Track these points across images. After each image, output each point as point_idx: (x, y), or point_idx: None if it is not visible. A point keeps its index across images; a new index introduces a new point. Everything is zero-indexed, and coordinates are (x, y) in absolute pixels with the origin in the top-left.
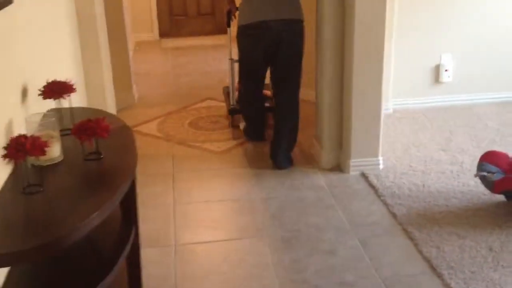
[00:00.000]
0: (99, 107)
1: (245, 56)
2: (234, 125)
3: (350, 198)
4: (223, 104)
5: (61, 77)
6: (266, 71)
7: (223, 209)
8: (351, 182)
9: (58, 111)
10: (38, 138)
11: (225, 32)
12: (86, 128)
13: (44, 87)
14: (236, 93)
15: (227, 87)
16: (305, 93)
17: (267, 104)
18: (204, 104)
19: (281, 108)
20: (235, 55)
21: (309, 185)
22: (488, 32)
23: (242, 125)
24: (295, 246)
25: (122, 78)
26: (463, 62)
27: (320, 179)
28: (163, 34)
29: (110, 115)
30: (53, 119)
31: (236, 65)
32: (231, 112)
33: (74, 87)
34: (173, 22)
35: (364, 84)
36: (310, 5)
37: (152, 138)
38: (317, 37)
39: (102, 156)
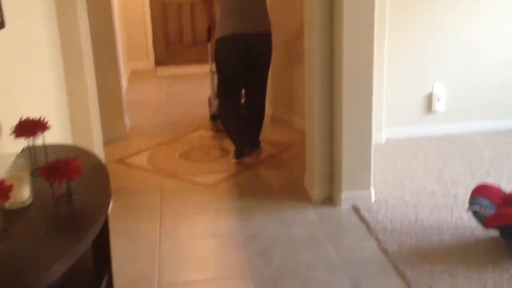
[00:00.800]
0: (85, 141)
1: (221, 65)
2: (218, 130)
3: (341, 233)
4: (215, 133)
5: (43, 111)
6: (241, 85)
7: (209, 246)
8: (342, 216)
9: (32, 149)
10: (2, 182)
11: None
12: (55, 169)
13: (16, 125)
14: (216, 102)
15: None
16: (299, 121)
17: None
18: (196, 134)
19: (250, 107)
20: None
21: (299, 219)
22: (481, 61)
23: (231, 155)
24: (282, 286)
25: (113, 108)
26: (455, 91)
27: (311, 213)
28: (159, 62)
29: (87, 152)
30: (22, 160)
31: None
32: (213, 117)
33: (48, 124)
34: (168, 50)
35: (354, 115)
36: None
37: (142, 171)
38: (305, 66)
39: (73, 198)
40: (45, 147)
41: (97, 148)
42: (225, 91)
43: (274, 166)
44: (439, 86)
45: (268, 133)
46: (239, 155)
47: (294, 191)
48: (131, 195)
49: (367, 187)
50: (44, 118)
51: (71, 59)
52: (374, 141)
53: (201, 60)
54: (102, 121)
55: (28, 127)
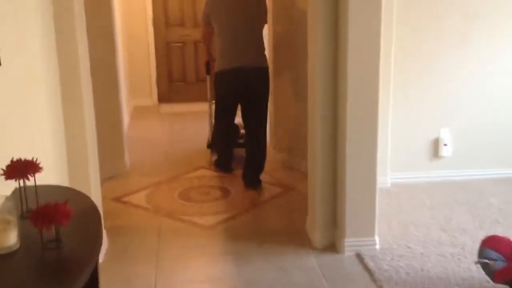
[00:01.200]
0: (81, 179)
1: (219, 96)
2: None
3: (344, 282)
4: (216, 173)
5: (38, 148)
6: (236, 109)
7: None
8: (346, 264)
9: (22, 191)
10: None
11: None
12: (44, 215)
13: (6, 166)
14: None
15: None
16: (302, 163)
17: (240, 141)
18: (197, 173)
19: (250, 139)
20: None
21: (300, 266)
22: (488, 106)
23: (213, 158)
24: None
25: (114, 144)
26: (463, 137)
27: (312, 260)
28: (162, 99)
29: (80, 193)
30: (10, 203)
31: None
32: (209, 146)
33: (40, 166)
34: (172, 88)
35: (358, 159)
36: (303, 76)
37: (140, 210)
38: (308, 107)
39: (62, 244)
40: (36, 189)
41: (94, 186)
42: (220, 116)
43: (276, 209)
44: (446, 131)
45: (271, 174)
46: (218, 165)
47: (296, 236)
48: (128, 235)
49: (372, 234)
50: (36, 159)
51: (70, 94)
52: (378, 185)
53: (204, 98)
54: (102, 158)
55: (19, 169)
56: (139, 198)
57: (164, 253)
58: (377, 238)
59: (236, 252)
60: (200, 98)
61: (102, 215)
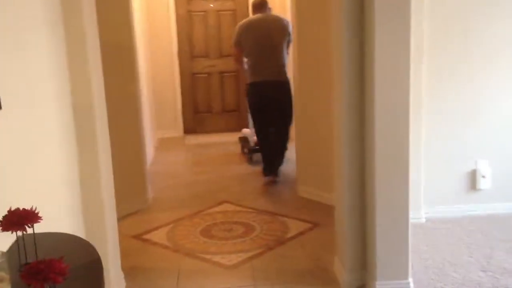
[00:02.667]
0: (96, 220)
1: (251, 103)
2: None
3: None
4: (240, 208)
5: (49, 191)
6: (268, 116)
7: None
8: None
9: (21, 244)
10: None
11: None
12: (36, 272)
13: (3, 217)
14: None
15: (242, 137)
16: (329, 198)
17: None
18: (220, 208)
19: (276, 137)
20: None
21: None
22: None
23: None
24: None
25: (136, 180)
26: (502, 168)
27: None
28: (188, 130)
29: (86, 244)
30: (2, 259)
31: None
32: (251, 151)
33: (38, 216)
34: (197, 119)
35: (388, 195)
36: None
37: (160, 249)
38: (334, 139)
39: None
40: (35, 241)
41: (111, 228)
42: (258, 127)
43: (303, 247)
44: (484, 162)
45: (298, 209)
46: (266, 172)
47: (323, 277)
48: (145, 275)
49: (405, 276)
50: (35, 208)
51: (84, 136)
52: (412, 221)
53: (229, 129)
54: (124, 193)
55: (16, 220)
56: (159, 236)
57: None
58: (411, 281)
59: None
60: (226, 129)
61: (119, 255)
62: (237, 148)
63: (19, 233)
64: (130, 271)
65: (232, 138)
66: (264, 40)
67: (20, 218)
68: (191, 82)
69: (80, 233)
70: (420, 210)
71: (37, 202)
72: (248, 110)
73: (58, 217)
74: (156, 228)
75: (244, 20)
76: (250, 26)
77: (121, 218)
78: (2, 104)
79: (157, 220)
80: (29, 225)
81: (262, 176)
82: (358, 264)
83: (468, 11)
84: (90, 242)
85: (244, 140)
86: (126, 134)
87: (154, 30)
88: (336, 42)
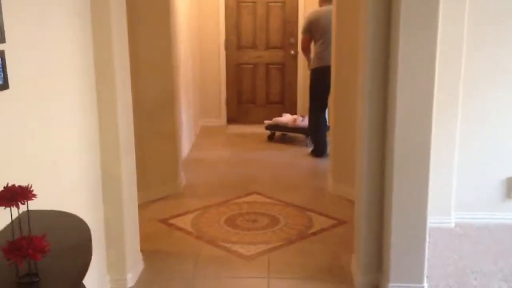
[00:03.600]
0: (114, 203)
1: (316, 88)
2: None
3: None
4: (268, 200)
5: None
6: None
7: None
8: None
9: (16, 219)
10: None
11: None
12: (17, 248)
13: None
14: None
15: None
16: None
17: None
18: (249, 198)
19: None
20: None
21: None
22: None
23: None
24: None
25: (169, 166)
26: None
27: None
28: (231, 120)
29: (81, 224)
30: None
31: None
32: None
33: (32, 193)
34: (241, 109)
35: (406, 197)
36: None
37: (183, 234)
38: (357, 141)
39: (37, 280)
40: (28, 218)
41: (129, 211)
42: (316, 109)
43: (324, 243)
44: None
45: (327, 206)
46: (318, 154)
47: (338, 274)
48: (164, 259)
49: (420, 280)
50: (30, 186)
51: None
52: (440, 225)
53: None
54: (156, 178)
55: (8, 195)
56: (185, 222)
57: (197, 283)
58: (426, 285)
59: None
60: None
61: (138, 237)
62: (275, 139)
63: (17, 209)
64: (150, 253)
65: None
66: (328, 29)
67: (13, 194)
68: (236, 72)
69: (97, 214)
70: (450, 214)
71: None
72: (311, 95)
73: (75, 196)
74: (183, 214)
75: (312, 11)
76: (320, 17)
77: (151, 202)
78: (10, 83)
79: (186, 206)
80: (22, 202)
81: (311, 157)
82: (373, 264)
83: (509, 18)
84: (108, 223)
85: (275, 127)
86: (161, 122)
87: (203, 20)
88: (362, 45)
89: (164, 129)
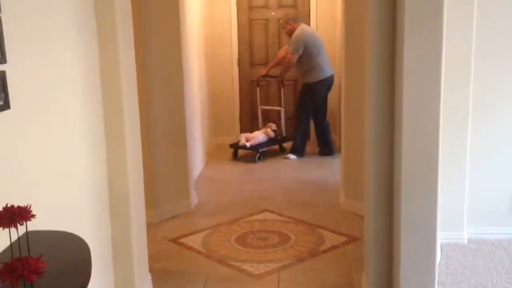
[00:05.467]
0: (123, 221)
1: (315, 100)
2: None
3: None
4: (279, 217)
5: (75, 186)
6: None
7: None
8: None
9: (16, 240)
10: None
11: (306, 138)
12: (12, 270)
13: None
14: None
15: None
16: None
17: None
18: (260, 216)
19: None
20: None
21: None
22: None
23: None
24: None
25: (180, 185)
26: None
27: None
28: None
29: (81, 244)
30: None
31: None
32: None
33: (31, 213)
34: (254, 126)
35: (415, 213)
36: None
37: (193, 253)
38: (365, 154)
39: None
40: (27, 239)
41: (137, 232)
42: (306, 118)
43: (335, 261)
44: None
45: (339, 222)
46: (295, 152)
47: None
48: (173, 278)
49: None
50: (29, 206)
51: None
52: (453, 241)
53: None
54: (167, 197)
55: (8, 216)
56: (195, 240)
57: None
58: None
59: None
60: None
61: (147, 257)
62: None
63: (16, 230)
64: (160, 273)
65: (287, 145)
66: (321, 43)
67: (12, 215)
68: (249, 89)
69: (104, 233)
70: (463, 230)
71: (63, 200)
72: (313, 104)
73: (82, 217)
74: (194, 233)
75: (302, 31)
76: (311, 34)
77: (163, 221)
78: (11, 104)
79: (197, 225)
80: (21, 223)
81: (319, 156)
82: (384, 282)
83: None
84: (115, 242)
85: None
86: (172, 140)
87: (216, 38)
88: (367, 58)
89: (177, 147)
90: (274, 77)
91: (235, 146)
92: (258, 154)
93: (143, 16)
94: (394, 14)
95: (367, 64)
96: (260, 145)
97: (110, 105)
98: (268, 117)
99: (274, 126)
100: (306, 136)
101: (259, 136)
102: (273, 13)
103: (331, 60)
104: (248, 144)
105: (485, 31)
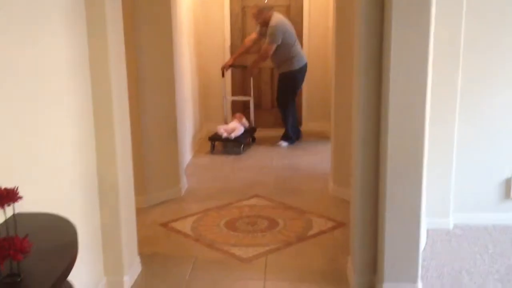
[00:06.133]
0: (112, 208)
1: (297, 85)
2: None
3: None
4: (269, 203)
5: (63, 170)
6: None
7: None
8: None
9: (4, 221)
10: None
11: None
12: None
13: None
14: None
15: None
16: None
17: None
18: (250, 201)
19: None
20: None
21: None
22: None
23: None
24: None
25: (170, 170)
26: None
27: None
28: None
29: (68, 225)
30: None
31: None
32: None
33: (18, 195)
34: (246, 114)
35: (400, 198)
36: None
37: (182, 237)
38: (352, 142)
39: (19, 279)
40: (14, 220)
41: (126, 218)
42: (292, 102)
43: (322, 245)
44: None
45: (325, 209)
46: (287, 140)
47: (334, 276)
48: (162, 262)
49: (414, 280)
50: (16, 188)
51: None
52: (439, 226)
53: (278, 125)
54: (158, 183)
55: None
56: (184, 225)
57: (193, 285)
58: (420, 285)
59: None
60: (275, 124)
61: (136, 240)
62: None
63: (4, 211)
64: (149, 257)
65: (279, 133)
66: (294, 30)
67: None
68: (242, 76)
69: (94, 217)
70: (448, 216)
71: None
72: (293, 91)
73: (71, 204)
74: (183, 218)
75: (279, 21)
76: (287, 23)
77: (153, 206)
78: None
79: (186, 210)
80: (8, 204)
81: (289, 144)
82: (369, 266)
83: (508, 16)
84: (104, 226)
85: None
86: (162, 127)
87: (208, 25)
88: (356, 43)
89: (167, 134)
90: (242, 67)
91: (218, 139)
92: (242, 145)
93: (134, 4)
94: (382, 4)
95: (355, 50)
96: (242, 136)
97: (99, 93)
98: (236, 108)
99: (243, 116)
100: (298, 123)
101: (239, 126)
102: (266, 1)
103: (323, 50)
104: (233, 136)
105: (474, 23)
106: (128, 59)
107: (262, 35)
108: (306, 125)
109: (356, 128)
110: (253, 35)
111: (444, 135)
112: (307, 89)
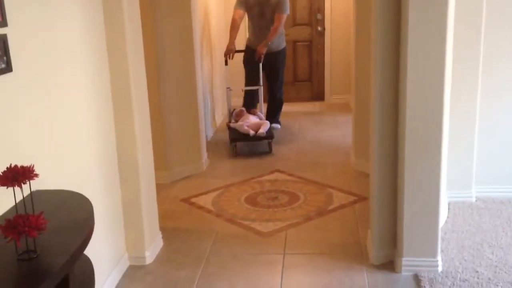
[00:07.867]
0: (133, 185)
1: (285, 63)
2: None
3: None
4: (290, 177)
5: (83, 149)
6: None
7: None
8: (399, 285)
9: (21, 199)
10: None
11: (321, 99)
12: (14, 226)
13: (1, 173)
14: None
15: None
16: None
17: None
18: (271, 176)
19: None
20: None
21: (348, 284)
22: None
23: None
24: None
25: (193, 145)
26: None
27: (364, 279)
28: None
29: (85, 202)
30: None
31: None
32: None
33: (34, 172)
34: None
35: (419, 172)
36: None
37: (203, 212)
38: (371, 112)
39: (35, 256)
40: (31, 197)
41: (146, 192)
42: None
43: (342, 219)
44: None
45: (346, 183)
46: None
47: (354, 251)
48: (183, 237)
49: (433, 254)
50: (32, 166)
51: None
52: (461, 199)
53: (300, 99)
54: (180, 158)
55: (11, 176)
56: (205, 200)
57: (214, 259)
58: (439, 259)
59: (286, 264)
60: (297, 98)
61: (157, 215)
62: (306, 119)
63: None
64: (170, 232)
65: (302, 108)
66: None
67: (15, 175)
68: None
69: (115, 194)
70: (471, 188)
71: (72, 165)
72: (283, 70)
73: (92, 182)
74: (205, 193)
75: None
76: None
77: (175, 182)
78: (13, 67)
79: (208, 185)
80: (24, 181)
81: (275, 125)
82: (388, 240)
83: None
84: (125, 203)
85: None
86: (184, 102)
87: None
88: (373, 16)
89: (187, 109)
90: (252, 50)
91: (244, 138)
92: (270, 142)
93: None
94: None
95: (373, 25)
96: (268, 131)
97: (116, 69)
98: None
99: (256, 110)
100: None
101: (263, 121)
102: None
103: (346, 22)
104: (263, 131)
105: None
106: (146, 36)
107: (250, 8)
108: (329, 98)
109: (374, 101)
110: (239, 11)
111: (466, 107)
112: (330, 62)
